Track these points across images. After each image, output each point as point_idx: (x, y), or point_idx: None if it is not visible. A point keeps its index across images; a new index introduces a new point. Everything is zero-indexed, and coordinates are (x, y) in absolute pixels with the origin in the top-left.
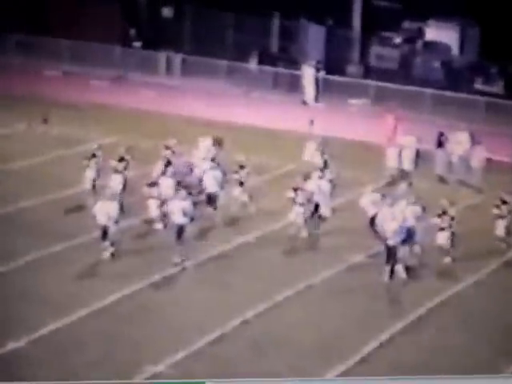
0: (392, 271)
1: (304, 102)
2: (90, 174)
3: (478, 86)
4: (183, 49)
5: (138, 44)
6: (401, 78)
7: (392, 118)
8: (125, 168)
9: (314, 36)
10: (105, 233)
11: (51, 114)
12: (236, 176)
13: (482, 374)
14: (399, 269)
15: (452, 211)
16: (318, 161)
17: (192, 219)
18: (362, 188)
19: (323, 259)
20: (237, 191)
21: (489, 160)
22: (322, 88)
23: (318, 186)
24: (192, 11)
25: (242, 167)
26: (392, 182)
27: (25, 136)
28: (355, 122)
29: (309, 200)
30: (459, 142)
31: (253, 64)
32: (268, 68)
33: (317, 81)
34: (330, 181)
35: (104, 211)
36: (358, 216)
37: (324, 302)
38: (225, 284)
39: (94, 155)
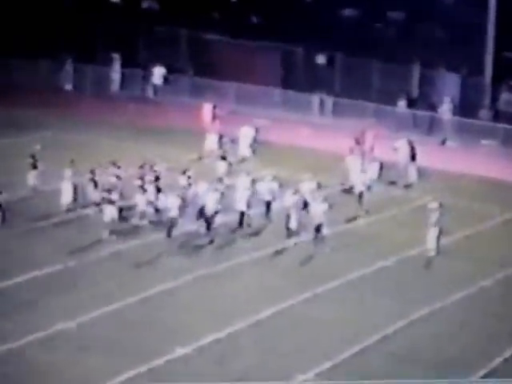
0: None
1: (442, 142)
2: None
3: None
4: (334, 91)
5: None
6: None
7: None
8: None
9: (450, 83)
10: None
11: None
12: None
13: None
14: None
15: None
16: None
17: None
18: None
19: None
20: None
21: None
22: (455, 129)
23: None
24: (342, 58)
25: None
26: None
27: None
28: (487, 160)
29: None
30: None
31: (401, 107)
32: (408, 110)
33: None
34: None
35: None
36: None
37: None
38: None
39: None
